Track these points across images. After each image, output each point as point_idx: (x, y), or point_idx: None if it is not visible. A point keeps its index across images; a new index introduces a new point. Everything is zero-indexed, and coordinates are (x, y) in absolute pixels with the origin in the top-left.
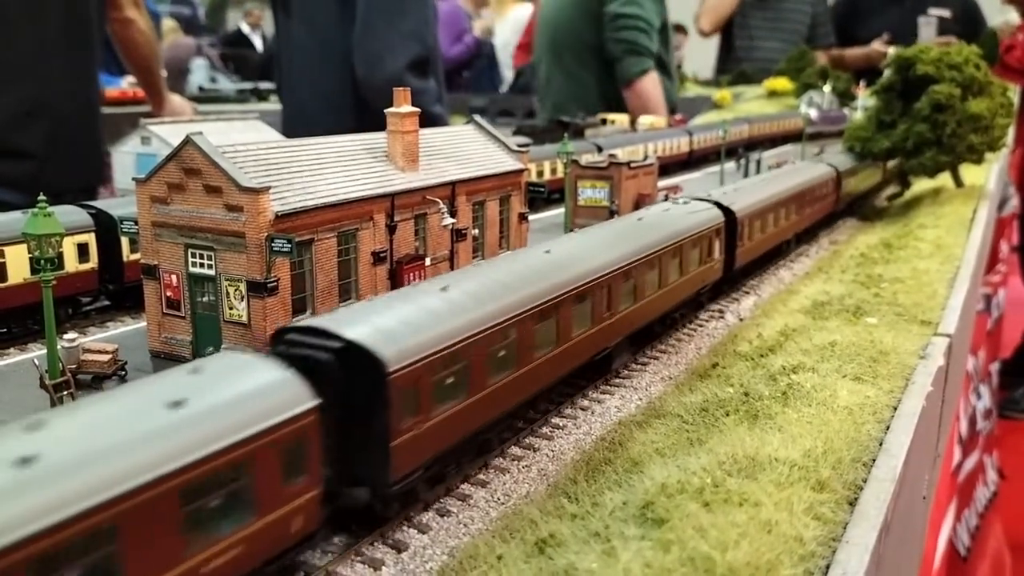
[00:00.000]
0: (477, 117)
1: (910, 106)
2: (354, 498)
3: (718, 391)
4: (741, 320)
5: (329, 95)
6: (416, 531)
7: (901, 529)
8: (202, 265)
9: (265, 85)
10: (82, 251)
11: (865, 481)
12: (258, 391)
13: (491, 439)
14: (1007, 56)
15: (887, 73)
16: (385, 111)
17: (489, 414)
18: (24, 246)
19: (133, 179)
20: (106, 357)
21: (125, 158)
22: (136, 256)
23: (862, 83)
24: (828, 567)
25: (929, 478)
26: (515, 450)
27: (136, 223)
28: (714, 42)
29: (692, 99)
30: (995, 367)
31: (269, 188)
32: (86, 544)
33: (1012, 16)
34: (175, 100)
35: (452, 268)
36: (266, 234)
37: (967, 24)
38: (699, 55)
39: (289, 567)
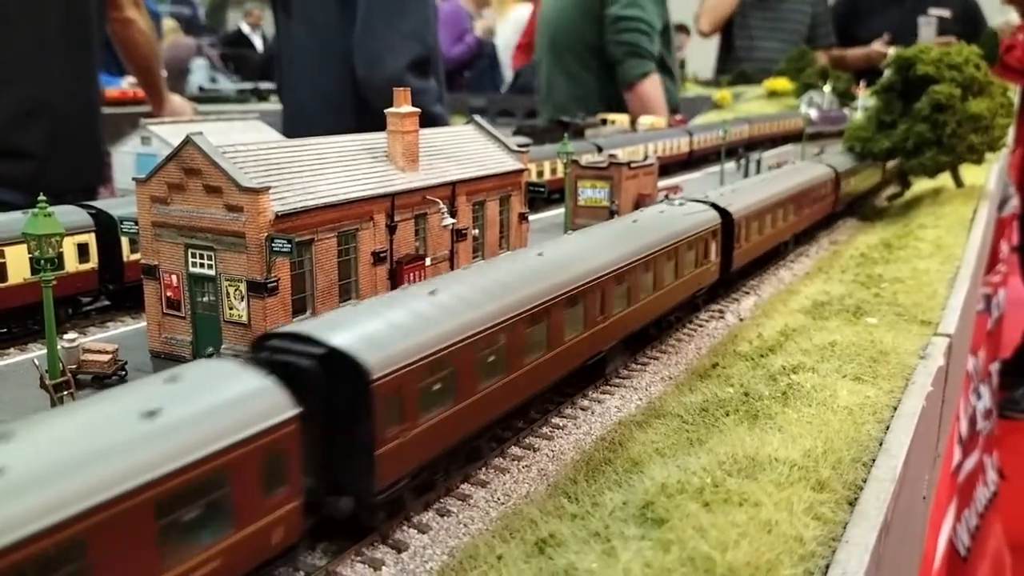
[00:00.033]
0: (477, 117)
1: (910, 106)
2: (338, 508)
3: (718, 391)
4: (741, 320)
5: (329, 95)
6: (416, 531)
7: (901, 529)
8: (202, 265)
9: (265, 85)
10: (82, 251)
11: (865, 481)
12: (236, 400)
13: (481, 446)
14: (1007, 56)
15: (887, 73)
16: (385, 111)
17: (478, 421)
18: (24, 246)
19: (133, 179)
20: (106, 357)
21: (125, 158)
22: (136, 256)
23: (862, 83)
24: (828, 567)
25: (929, 478)
26: (515, 450)
27: (136, 223)
28: (714, 42)
29: (692, 99)
30: (995, 367)
31: (269, 188)
32: (54, 560)
33: (1012, 16)
34: (175, 100)
35: (452, 268)
36: (266, 234)
37: (967, 24)
38: (699, 55)
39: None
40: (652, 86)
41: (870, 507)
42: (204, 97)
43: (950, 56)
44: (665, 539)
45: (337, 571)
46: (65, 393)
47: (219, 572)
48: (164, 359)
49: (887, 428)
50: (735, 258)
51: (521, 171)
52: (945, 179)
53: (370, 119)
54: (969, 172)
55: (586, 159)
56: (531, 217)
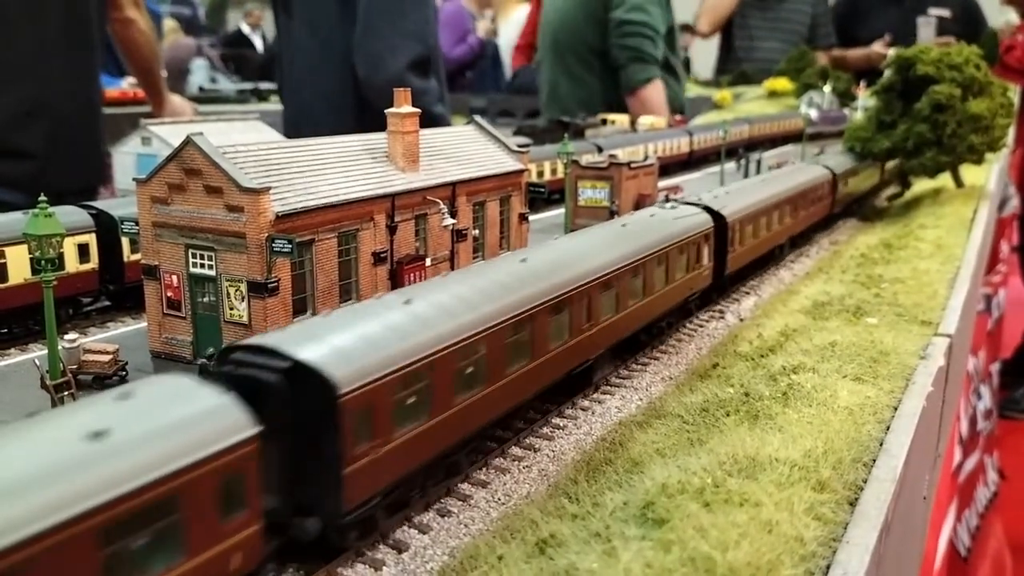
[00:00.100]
0: (477, 118)
1: (910, 106)
2: (304, 530)
3: (718, 391)
4: (741, 320)
5: (330, 95)
6: (417, 531)
7: (901, 529)
8: (203, 265)
9: (265, 85)
10: (83, 251)
11: (865, 481)
12: (191, 419)
13: (459, 461)
14: (1007, 56)
15: (887, 73)
16: (385, 111)
17: (456, 435)
18: (25, 246)
19: (134, 179)
20: (107, 357)
21: (125, 158)
22: (137, 256)
23: (862, 83)
24: (828, 567)
25: (929, 478)
26: (515, 450)
27: (137, 223)
28: (714, 42)
29: (692, 99)
30: (995, 367)
31: (269, 188)
32: None
33: (1012, 16)
34: (175, 100)
35: (452, 268)
36: (267, 234)
37: (967, 24)
38: (700, 55)
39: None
40: (655, 91)
41: (870, 507)
42: (204, 97)
43: (950, 56)
44: (666, 539)
45: (337, 571)
46: (66, 393)
47: None
48: (165, 359)
49: (887, 428)
50: (729, 262)
51: (521, 171)
52: (945, 179)
53: (371, 119)
54: (969, 172)
55: (586, 159)
56: (531, 217)
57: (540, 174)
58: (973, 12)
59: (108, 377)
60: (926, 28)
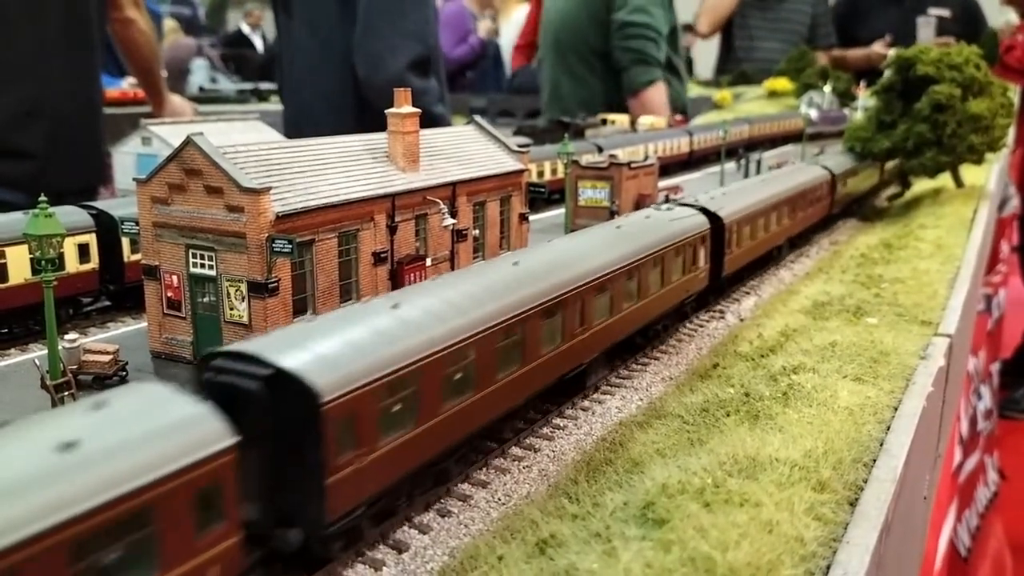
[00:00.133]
0: (478, 118)
1: (910, 106)
2: (286, 541)
3: (719, 391)
4: (742, 320)
5: (330, 95)
6: (417, 531)
7: (902, 529)
8: (203, 266)
9: (265, 86)
10: (83, 251)
11: (866, 481)
12: (166, 429)
13: (449, 468)
14: (1007, 56)
15: (887, 73)
16: (386, 111)
17: (444, 442)
18: (25, 247)
19: (134, 179)
20: (107, 358)
21: (126, 158)
22: (137, 256)
23: (862, 83)
24: (829, 567)
25: (930, 478)
26: (516, 450)
27: (137, 223)
28: (715, 42)
29: (692, 99)
30: (995, 367)
31: (270, 189)
32: None
33: (1012, 16)
34: (175, 100)
35: (453, 268)
36: (267, 235)
37: (967, 24)
38: (700, 55)
39: None
40: (657, 94)
41: (871, 507)
42: (204, 97)
43: (950, 56)
44: (666, 539)
45: (337, 571)
46: (66, 394)
47: None
48: (165, 359)
49: (888, 428)
50: (726, 264)
51: (521, 171)
52: (945, 179)
53: (371, 119)
54: (969, 172)
55: (586, 159)
56: (532, 217)
57: (540, 174)
58: (973, 12)
59: (108, 377)
60: (925, 28)
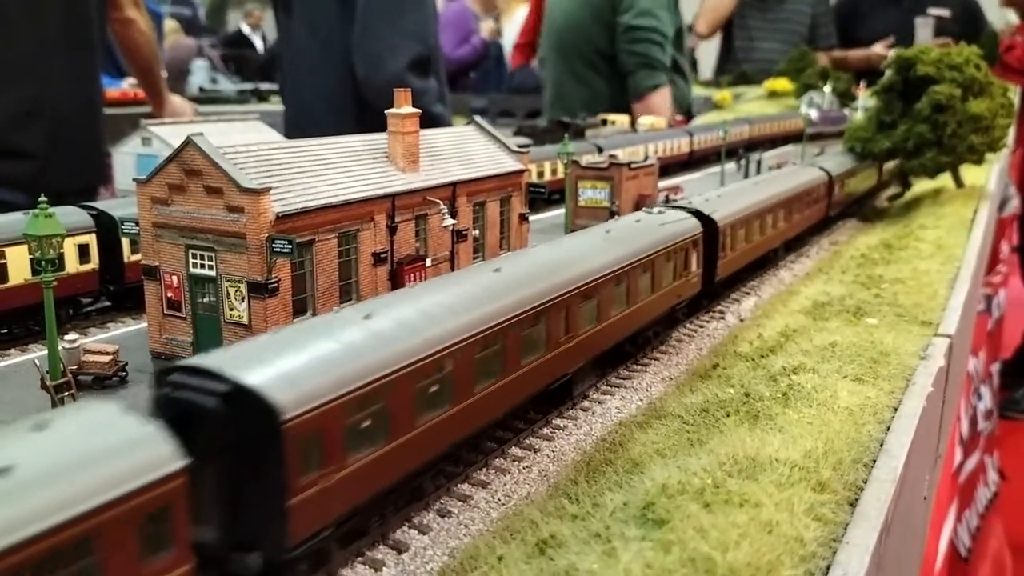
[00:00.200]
0: (478, 118)
1: (910, 107)
2: (245, 566)
3: (719, 392)
4: (741, 321)
5: (330, 95)
6: (417, 532)
7: (902, 530)
8: (203, 266)
9: (266, 86)
10: (83, 252)
11: (866, 482)
12: (110, 452)
13: (424, 484)
14: (1007, 56)
15: (887, 73)
16: (386, 112)
17: (418, 458)
18: (25, 247)
19: (134, 180)
20: (107, 358)
21: (126, 159)
22: (137, 257)
23: (862, 84)
24: (829, 568)
25: (930, 479)
26: (516, 451)
27: (137, 224)
28: (715, 43)
29: (693, 100)
30: (995, 367)
31: (270, 189)
32: None
33: (1012, 16)
34: (176, 101)
35: (453, 269)
36: (267, 235)
37: (967, 24)
38: (700, 55)
39: None
40: (661, 98)
41: (871, 508)
42: (204, 98)
43: (950, 56)
44: (666, 540)
45: (337, 571)
46: (66, 394)
47: None
48: (165, 360)
49: (888, 429)
50: (720, 268)
51: (521, 172)
52: (945, 179)
53: (371, 119)
54: (969, 172)
55: (586, 160)
56: (532, 218)
57: (540, 174)
58: (973, 12)
59: (108, 378)
60: (924, 29)
